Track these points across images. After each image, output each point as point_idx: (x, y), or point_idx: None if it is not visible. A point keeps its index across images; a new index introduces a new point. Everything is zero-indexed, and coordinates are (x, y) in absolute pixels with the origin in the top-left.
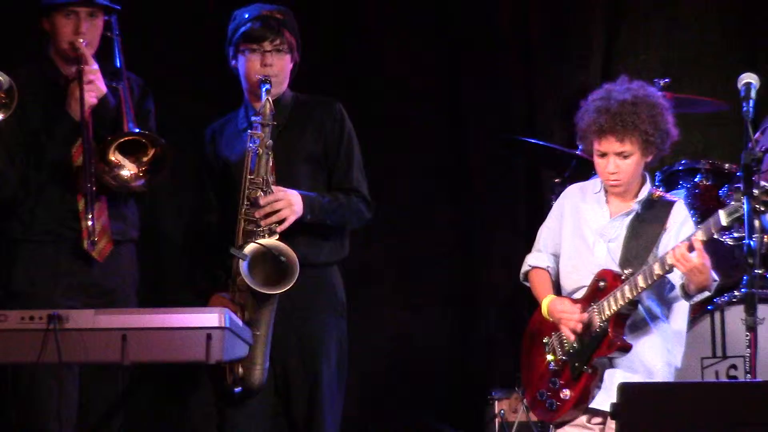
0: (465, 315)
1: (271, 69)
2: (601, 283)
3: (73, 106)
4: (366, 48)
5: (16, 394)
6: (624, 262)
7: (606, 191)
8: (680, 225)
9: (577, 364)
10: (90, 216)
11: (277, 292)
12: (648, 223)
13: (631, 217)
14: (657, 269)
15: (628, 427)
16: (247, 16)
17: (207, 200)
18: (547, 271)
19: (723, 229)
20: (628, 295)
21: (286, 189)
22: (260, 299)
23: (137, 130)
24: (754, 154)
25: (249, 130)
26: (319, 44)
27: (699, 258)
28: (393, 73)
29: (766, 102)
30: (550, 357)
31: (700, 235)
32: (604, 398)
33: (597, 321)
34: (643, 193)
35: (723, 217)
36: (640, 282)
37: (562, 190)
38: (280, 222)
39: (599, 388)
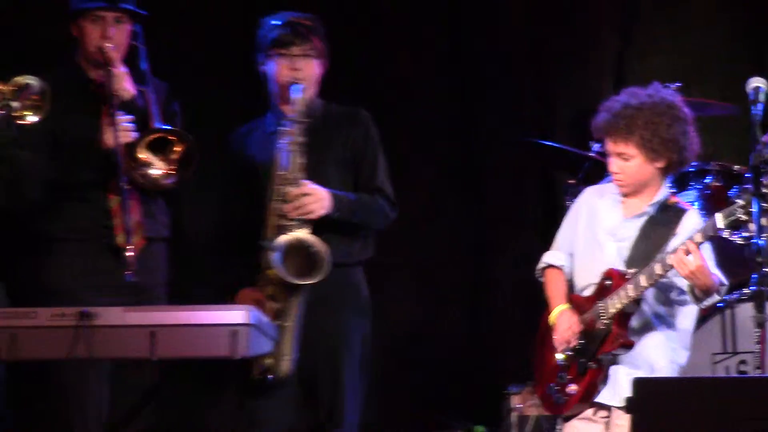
0: (479, 312)
1: (300, 73)
2: (608, 282)
3: (104, 129)
4: (380, 49)
5: (46, 389)
6: (630, 262)
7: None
8: (689, 232)
9: (583, 360)
10: (124, 212)
11: (308, 282)
12: (659, 226)
13: (643, 219)
14: (657, 269)
15: (643, 421)
16: (276, 23)
17: (234, 200)
18: (562, 270)
19: (720, 231)
20: (631, 294)
21: (314, 185)
22: (290, 291)
23: (165, 126)
24: (763, 155)
25: (280, 127)
26: (333, 45)
27: (696, 260)
28: (410, 74)
29: None
30: (559, 353)
31: (696, 238)
32: (609, 393)
33: (603, 318)
34: (659, 197)
35: (719, 219)
36: (642, 281)
37: (576, 192)
38: (308, 215)
39: (605, 383)
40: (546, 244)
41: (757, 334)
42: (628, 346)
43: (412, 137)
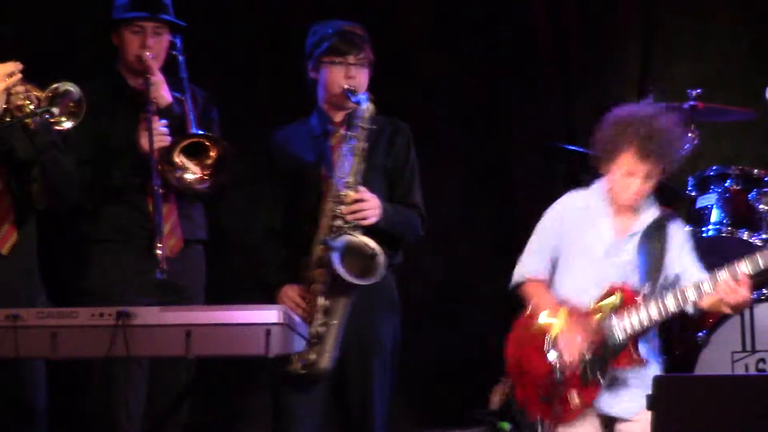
0: (507, 314)
1: (354, 81)
2: (617, 299)
3: (141, 134)
4: (411, 57)
5: (90, 386)
6: (641, 281)
7: (611, 205)
8: (681, 246)
9: (590, 372)
10: (160, 216)
11: (364, 283)
12: (652, 241)
13: (638, 235)
14: (691, 295)
15: (664, 418)
16: (329, 31)
17: (275, 201)
18: (544, 280)
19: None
20: (655, 317)
21: (370, 192)
22: (339, 291)
23: (201, 132)
24: None
25: (346, 132)
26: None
27: (748, 292)
28: (440, 81)
29: None
30: (555, 363)
31: (744, 269)
32: (608, 401)
33: (617, 334)
34: (653, 215)
35: None
36: (670, 306)
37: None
38: (363, 220)
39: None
40: None
41: None
42: (644, 364)
43: (442, 142)
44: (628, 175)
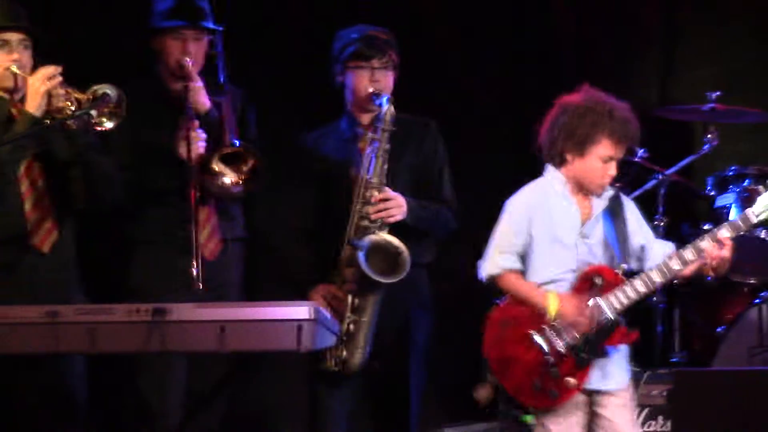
0: None
1: (378, 84)
2: (598, 279)
3: (179, 141)
4: (441, 59)
5: (131, 378)
6: (618, 259)
7: (574, 191)
8: (637, 218)
9: (584, 355)
10: (200, 221)
11: (389, 281)
12: (612, 217)
13: (602, 215)
14: (675, 265)
15: (683, 411)
16: (354, 36)
17: (307, 202)
18: (520, 270)
19: (754, 227)
20: (643, 290)
21: (394, 192)
22: (367, 288)
23: (237, 143)
24: None
25: (370, 134)
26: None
27: (729, 252)
28: (469, 84)
29: None
30: (546, 348)
31: (725, 233)
32: (598, 378)
33: (606, 314)
34: (610, 192)
35: (752, 215)
36: (656, 278)
37: (624, 193)
38: (389, 219)
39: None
40: None
41: None
42: (635, 338)
43: (471, 143)
44: (608, 160)
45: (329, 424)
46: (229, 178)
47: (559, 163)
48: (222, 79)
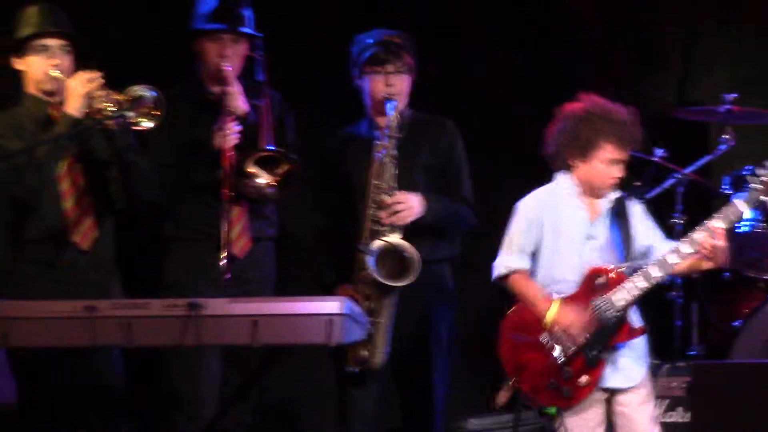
0: None
1: (393, 89)
2: (600, 279)
3: (215, 134)
4: (463, 59)
5: (168, 372)
6: (620, 259)
7: (580, 193)
8: (642, 216)
9: (594, 353)
10: (231, 219)
11: (399, 284)
12: (619, 219)
13: (606, 216)
14: (672, 259)
15: (703, 402)
16: (370, 41)
17: (332, 202)
18: (527, 273)
19: (742, 215)
20: (644, 285)
21: (407, 193)
22: (383, 291)
23: (273, 147)
24: None
25: (376, 141)
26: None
27: (723, 242)
28: (496, 85)
29: None
30: (556, 350)
31: (719, 223)
32: (611, 375)
33: (610, 312)
34: (615, 194)
35: (741, 204)
36: (655, 273)
37: (642, 192)
38: (400, 222)
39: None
40: None
41: None
42: (645, 332)
43: (497, 143)
44: (612, 163)
45: (356, 416)
46: (262, 180)
47: (566, 169)
48: (261, 82)
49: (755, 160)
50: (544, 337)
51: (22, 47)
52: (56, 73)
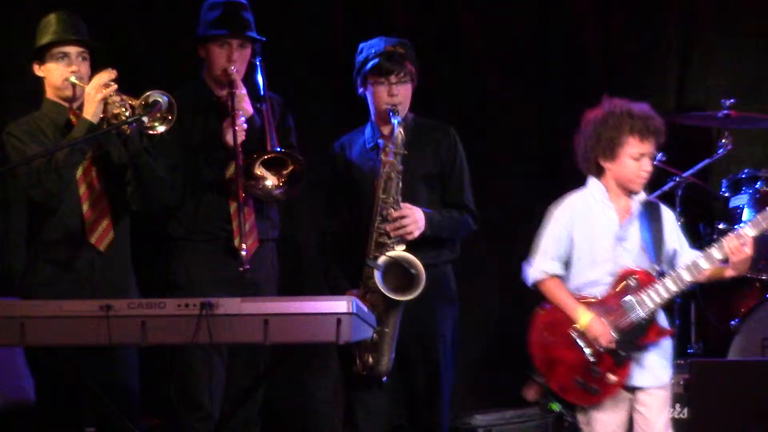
0: None
1: (396, 98)
2: (632, 281)
3: (225, 130)
4: (470, 72)
5: (174, 373)
6: (651, 260)
7: (611, 195)
8: (674, 222)
9: (622, 353)
10: (241, 218)
11: (407, 299)
12: (648, 222)
13: (637, 218)
14: (703, 264)
15: (699, 399)
16: (374, 51)
17: (336, 206)
18: (561, 277)
19: None
20: (674, 288)
21: (412, 206)
22: (390, 302)
23: (279, 149)
24: None
25: (383, 157)
26: (429, 63)
27: (750, 250)
28: (499, 87)
29: None
30: (587, 349)
31: (749, 231)
32: (638, 374)
33: (641, 313)
34: (642, 196)
35: None
36: (686, 277)
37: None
38: (407, 234)
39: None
40: None
41: None
42: (671, 333)
43: (502, 149)
44: (639, 157)
45: (364, 414)
46: (270, 181)
47: (597, 172)
48: (261, 87)
49: (752, 163)
50: (576, 334)
51: (42, 54)
52: (75, 80)
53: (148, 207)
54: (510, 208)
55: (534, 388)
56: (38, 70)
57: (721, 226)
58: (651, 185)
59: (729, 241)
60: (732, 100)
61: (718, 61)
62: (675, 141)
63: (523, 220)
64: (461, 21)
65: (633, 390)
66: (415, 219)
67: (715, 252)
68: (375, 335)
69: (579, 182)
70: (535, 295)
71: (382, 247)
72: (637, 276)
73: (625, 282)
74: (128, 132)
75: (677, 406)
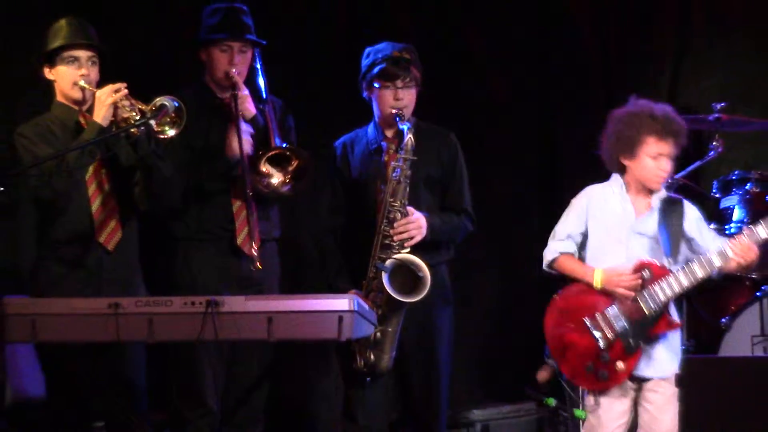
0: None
1: (401, 102)
2: (645, 273)
3: (230, 140)
4: (471, 74)
5: (176, 372)
6: (666, 254)
7: (630, 190)
8: (698, 220)
9: (632, 341)
10: (251, 219)
11: (412, 300)
12: (669, 217)
13: (656, 213)
14: (717, 261)
15: (691, 394)
16: (381, 56)
17: (337, 205)
18: (574, 254)
19: None
20: (686, 283)
21: (417, 212)
22: (392, 302)
23: (284, 144)
24: None
25: (394, 162)
26: (433, 69)
27: (758, 251)
28: (501, 93)
29: None
30: (598, 334)
31: (762, 232)
32: (646, 364)
33: (652, 304)
34: (663, 193)
35: None
36: (699, 272)
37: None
38: (410, 239)
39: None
40: None
41: None
42: (679, 326)
43: (502, 153)
44: (658, 156)
45: (362, 410)
46: (276, 178)
47: (619, 169)
48: (263, 89)
49: (742, 165)
50: (589, 321)
51: (52, 58)
52: (84, 84)
53: (156, 208)
54: (509, 209)
55: (546, 370)
56: (48, 74)
57: (711, 227)
58: None
59: (741, 240)
60: (723, 104)
61: (710, 63)
62: None
63: (521, 221)
64: (461, 24)
65: (639, 382)
66: (419, 225)
67: (728, 250)
68: (378, 333)
69: (578, 183)
70: (534, 295)
71: (387, 249)
72: (651, 268)
73: (639, 273)
74: (137, 135)
75: None
